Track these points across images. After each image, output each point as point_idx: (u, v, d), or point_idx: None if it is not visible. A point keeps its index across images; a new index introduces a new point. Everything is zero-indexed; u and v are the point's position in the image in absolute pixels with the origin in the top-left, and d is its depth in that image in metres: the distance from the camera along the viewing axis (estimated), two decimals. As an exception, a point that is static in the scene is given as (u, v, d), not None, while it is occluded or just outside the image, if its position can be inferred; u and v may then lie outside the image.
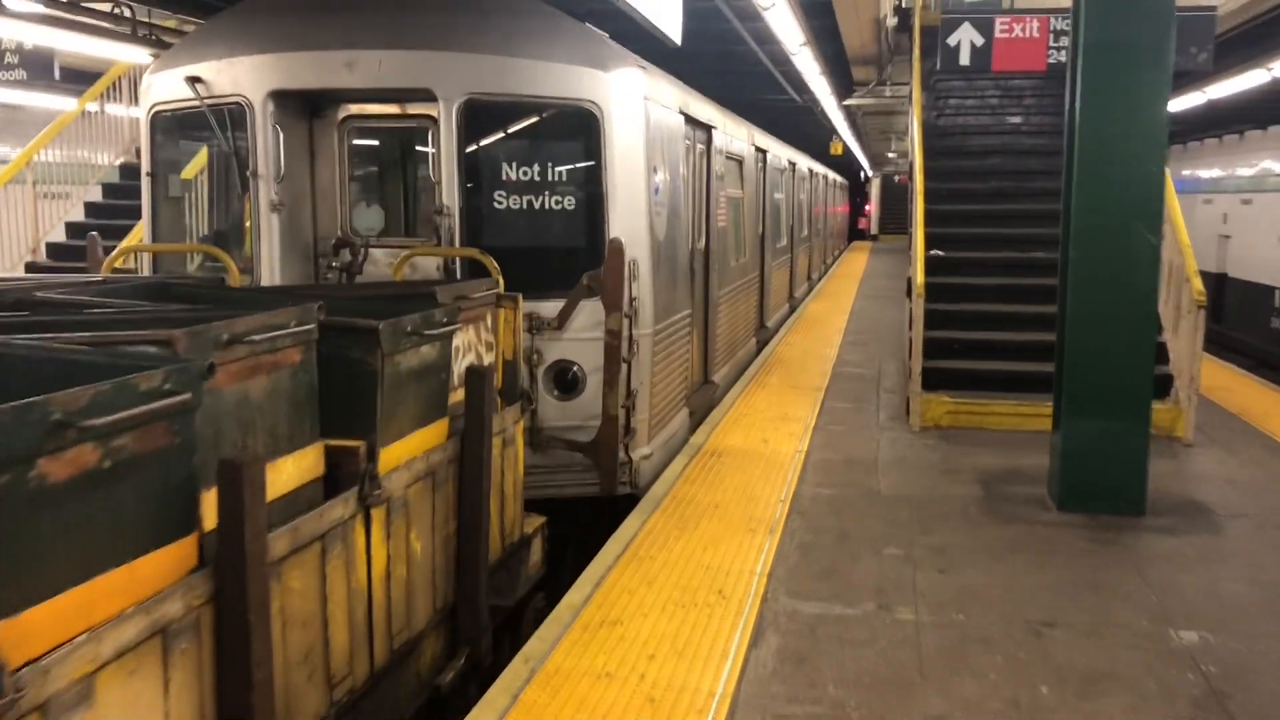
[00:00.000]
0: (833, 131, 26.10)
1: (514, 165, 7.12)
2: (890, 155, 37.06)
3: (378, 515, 4.26)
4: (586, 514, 7.27)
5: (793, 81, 17.78)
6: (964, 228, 11.44)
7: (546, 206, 7.16)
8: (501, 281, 6.31)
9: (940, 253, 10.78)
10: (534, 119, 7.20)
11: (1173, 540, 6.40)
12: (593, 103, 7.07)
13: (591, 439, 6.97)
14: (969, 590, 5.57)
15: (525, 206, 7.15)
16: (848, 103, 17.48)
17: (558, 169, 7.16)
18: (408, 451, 4.56)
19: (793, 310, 19.07)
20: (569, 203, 7.19)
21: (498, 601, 5.60)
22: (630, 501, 7.14)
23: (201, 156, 7.69)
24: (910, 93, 12.98)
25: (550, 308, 7.04)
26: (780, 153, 16.94)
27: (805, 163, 22.10)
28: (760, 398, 10.58)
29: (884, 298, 21.41)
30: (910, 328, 9.98)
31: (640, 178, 7.31)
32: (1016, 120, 12.83)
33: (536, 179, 7.14)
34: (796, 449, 8.51)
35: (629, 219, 7.22)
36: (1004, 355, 9.87)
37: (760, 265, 15.04)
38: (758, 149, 14.27)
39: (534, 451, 7.09)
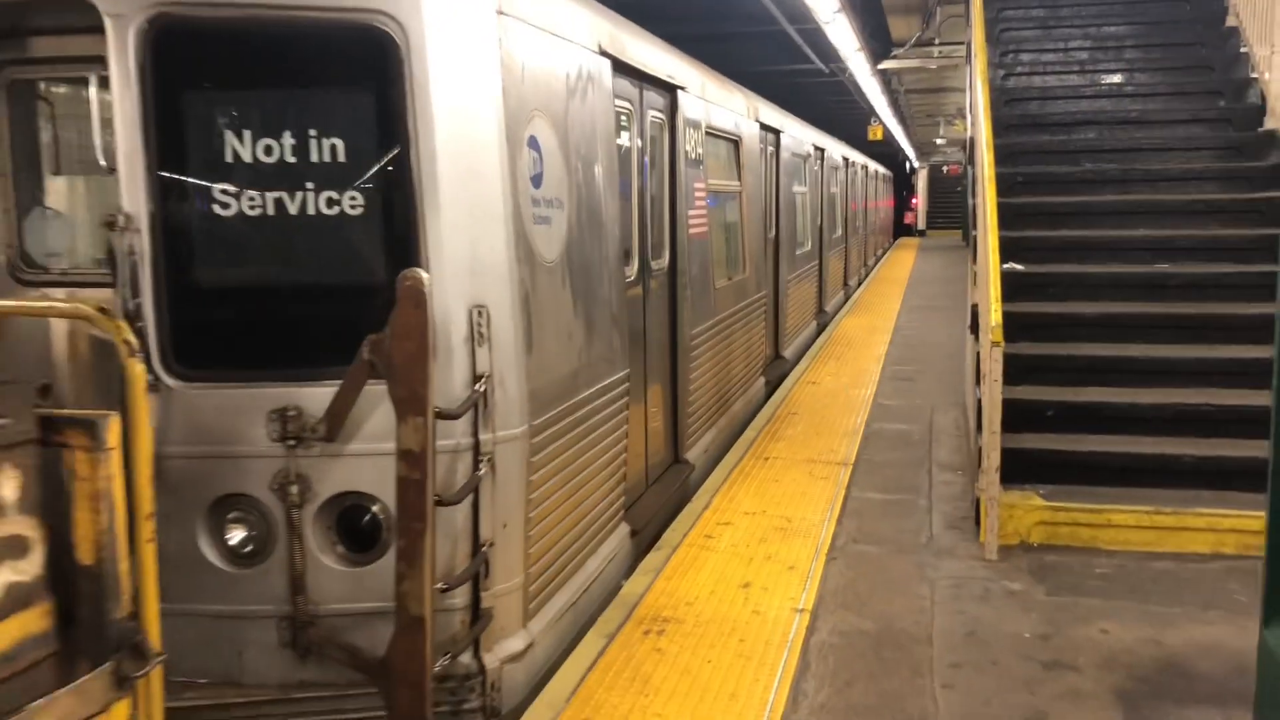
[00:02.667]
0: (870, 113, 22.65)
1: (249, 137, 3.87)
2: (938, 142, 33.38)
3: None
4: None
5: (817, 47, 14.37)
6: (1049, 229, 8.01)
7: (312, 210, 3.90)
8: (136, 367, 3.01)
9: (1019, 266, 7.36)
10: (282, 53, 3.93)
11: None
12: (389, 18, 3.80)
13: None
14: None
15: (273, 211, 3.90)
16: (885, 65, 14.10)
17: (329, 142, 3.89)
18: None
19: (822, 328, 15.65)
20: (352, 204, 3.92)
21: None
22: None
23: None
24: (968, 47, 9.55)
25: (318, 397, 3.81)
26: (801, 135, 13.54)
27: (837, 149, 18.64)
28: (755, 483, 7.24)
29: (934, 308, 17.91)
30: (978, 383, 6.59)
31: (491, 155, 4.04)
32: (1116, 79, 9.39)
33: (290, 162, 3.88)
34: (796, 606, 5.16)
35: (468, 230, 3.96)
36: (1126, 425, 6.45)
37: (774, 279, 11.67)
38: (766, 128, 10.89)
39: (300, 661, 3.90)
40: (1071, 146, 8.69)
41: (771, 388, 10.92)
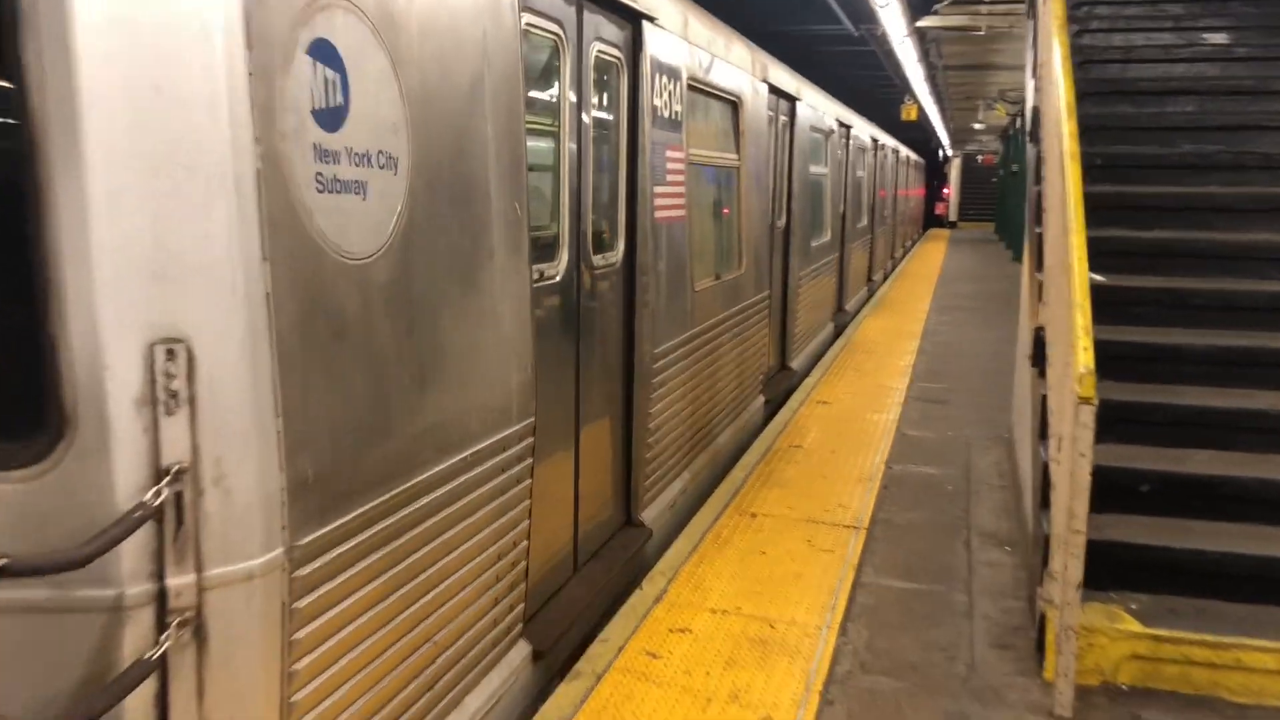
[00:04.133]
0: (904, 90, 20.57)
1: None
2: (976, 127, 31.17)
3: None
4: None
5: (845, 3, 12.38)
6: (1136, 228, 6.08)
7: None
8: None
9: (1100, 277, 5.45)
10: None
11: None
12: None
13: None
14: None
15: None
16: (924, 23, 12.12)
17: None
18: None
19: (840, 330, 13.74)
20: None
21: None
22: None
23: None
24: (1031, -3, 7.59)
25: None
26: (822, 107, 11.59)
27: (865, 128, 16.66)
28: (734, 554, 5.39)
29: (967, 309, 15.95)
30: (1043, 439, 4.71)
31: (203, 59, 2.19)
32: (1220, 39, 7.43)
33: None
34: (762, 808, 3.33)
35: (147, 202, 2.13)
36: (1255, 511, 4.55)
37: (783, 276, 9.78)
38: (778, 93, 8.99)
39: None
40: (1165, 122, 6.73)
41: (774, 407, 9.05)
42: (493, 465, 3.47)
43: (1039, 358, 5.40)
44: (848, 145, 14.30)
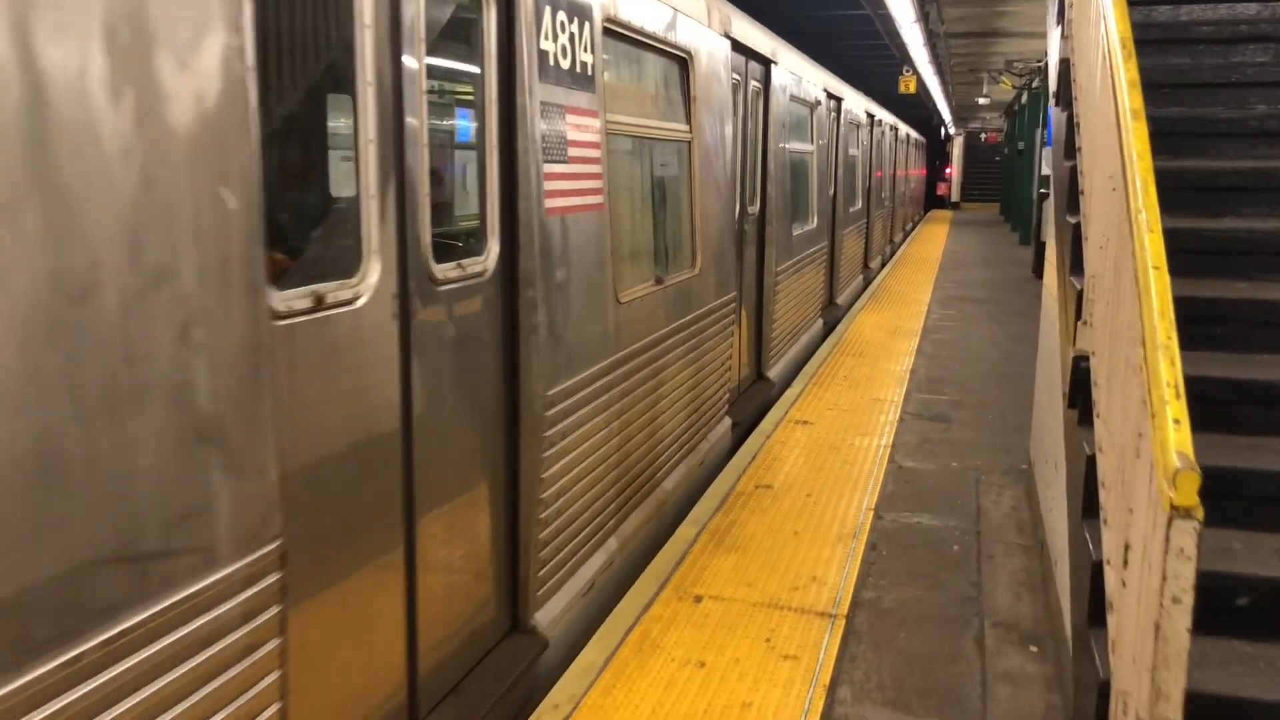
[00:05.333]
0: (903, 61, 18.97)
1: None
2: (981, 102, 29.54)
3: None
4: None
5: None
6: (1202, 215, 4.58)
7: None
8: None
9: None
10: None
11: None
12: None
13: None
14: None
15: None
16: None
17: None
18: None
19: (831, 327, 12.26)
20: None
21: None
22: None
23: None
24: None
25: None
26: (806, 74, 10.07)
27: (858, 102, 15.12)
28: (660, 669, 3.93)
29: (972, 300, 14.46)
30: (1088, 518, 3.24)
31: None
32: (1295, -25, 5.92)
33: None
34: None
35: None
36: None
37: (757, 273, 8.30)
38: (745, 52, 7.49)
39: None
40: (1232, 76, 5.22)
41: (744, 430, 7.58)
42: (179, 643, 2.01)
43: (1080, 396, 3.93)
44: (838, 119, 12.77)
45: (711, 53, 6.24)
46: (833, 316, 12.63)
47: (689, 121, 5.90)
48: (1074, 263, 4.39)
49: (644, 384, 5.08)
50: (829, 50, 18.40)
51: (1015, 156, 26.26)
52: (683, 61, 5.78)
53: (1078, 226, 4.32)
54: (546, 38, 3.80)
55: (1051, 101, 5.84)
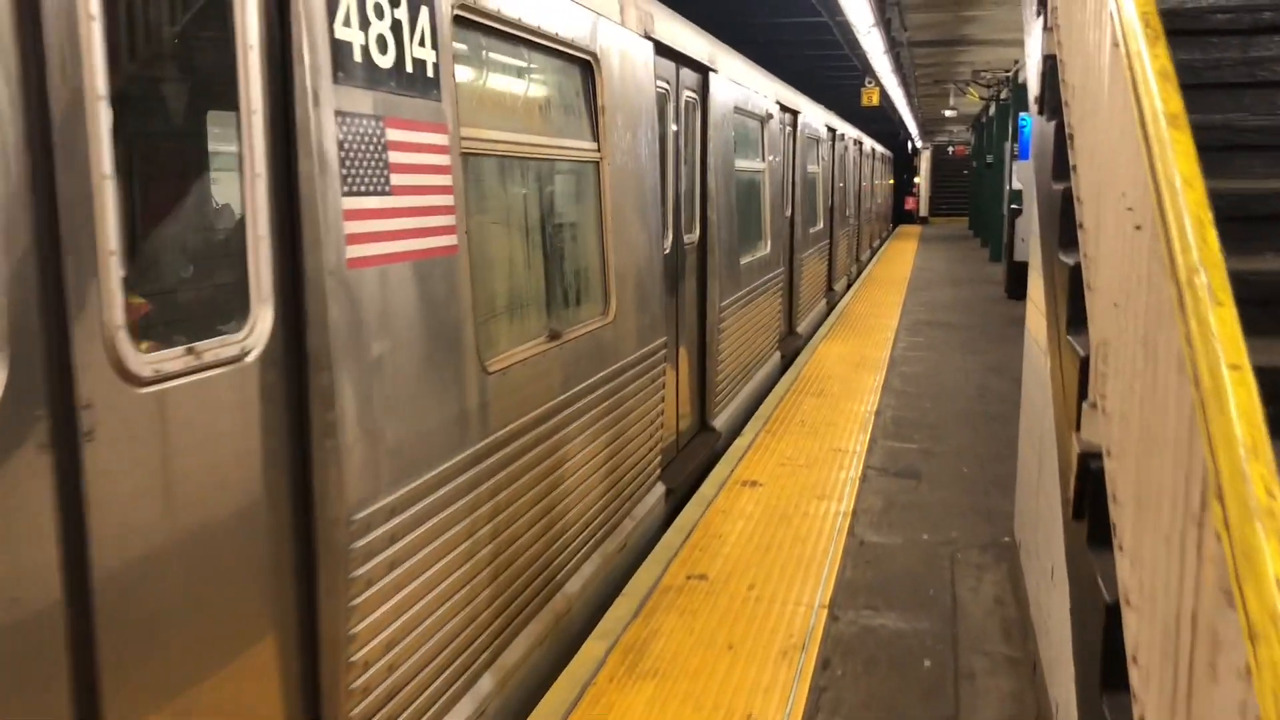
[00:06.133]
0: (865, 72, 18.04)
1: None
2: (947, 114, 28.77)
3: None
4: None
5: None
6: (1239, 252, 3.53)
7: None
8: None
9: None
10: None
11: None
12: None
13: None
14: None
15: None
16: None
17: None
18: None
19: (790, 361, 11.23)
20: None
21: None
22: None
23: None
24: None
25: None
26: (753, 85, 9.06)
27: (818, 115, 14.17)
28: None
29: (942, 325, 13.50)
30: (1110, 692, 2.19)
31: None
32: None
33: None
34: None
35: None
36: None
37: (698, 312, 7.26)
38: (674, 58, 6.47)
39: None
40: (1258, 74, 4.23)
41: (684, 493, 6.51)
42: None
43: (1080, 506, 2.89)
44: (795, 135, 11.79)
45: (626, 55, 5.20)
46: (792, 348, 11.62)
47: (596, 138, 4.84)
48: (1072, 315, 3.37)
49: (532, 469, 4.00)
50: (788, 63, 17.48)
51: (984, 170, 25.47)
52: (585, 64, 4.73)
53: (1077, 269, 3.30)
54: (348, 23, 2.73)
55: (1032, 109, 4.84)
